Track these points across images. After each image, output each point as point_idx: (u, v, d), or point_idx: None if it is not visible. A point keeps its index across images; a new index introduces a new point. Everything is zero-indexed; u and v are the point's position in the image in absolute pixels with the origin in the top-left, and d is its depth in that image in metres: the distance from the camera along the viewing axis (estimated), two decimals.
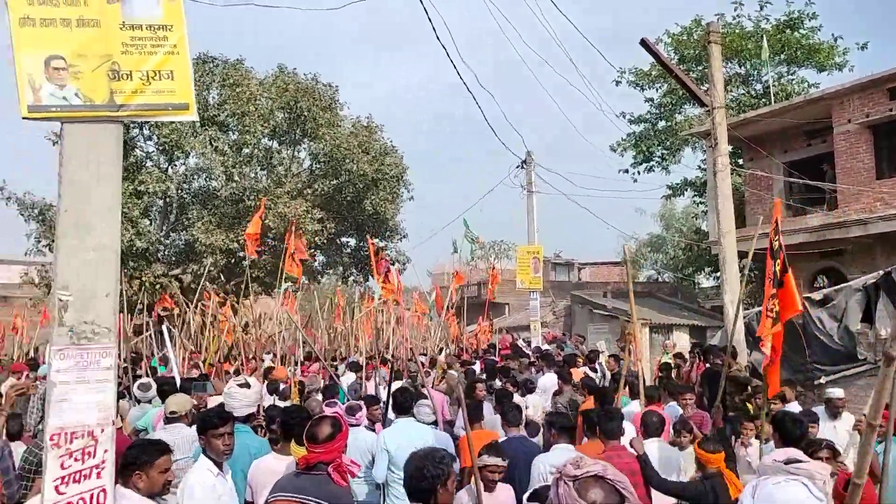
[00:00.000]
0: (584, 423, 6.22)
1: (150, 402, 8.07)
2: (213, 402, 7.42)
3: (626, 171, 26.86)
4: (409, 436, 5.89)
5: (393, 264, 27.51)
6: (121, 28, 3.69)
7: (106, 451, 3.56)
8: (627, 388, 8.64)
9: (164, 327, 10.64)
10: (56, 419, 3.47)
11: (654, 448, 5.93)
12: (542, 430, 7.66)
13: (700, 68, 23.45)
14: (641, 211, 40.30)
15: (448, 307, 20.44)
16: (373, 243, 14.48)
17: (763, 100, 22.33)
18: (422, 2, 8.23)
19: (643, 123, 26.73)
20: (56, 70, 3.58)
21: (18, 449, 6.08)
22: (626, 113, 26.90)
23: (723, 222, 11.56)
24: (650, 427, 6.20)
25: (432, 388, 9.87)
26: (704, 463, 5.31)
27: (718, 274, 12.17)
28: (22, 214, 22.25)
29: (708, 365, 10.03)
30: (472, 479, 4.39)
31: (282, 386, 9.78)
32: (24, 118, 3.56)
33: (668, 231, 38.81)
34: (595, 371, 11.57)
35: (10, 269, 41.13)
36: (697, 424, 7.68)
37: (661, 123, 26.34)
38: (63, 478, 3.46)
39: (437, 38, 9.10)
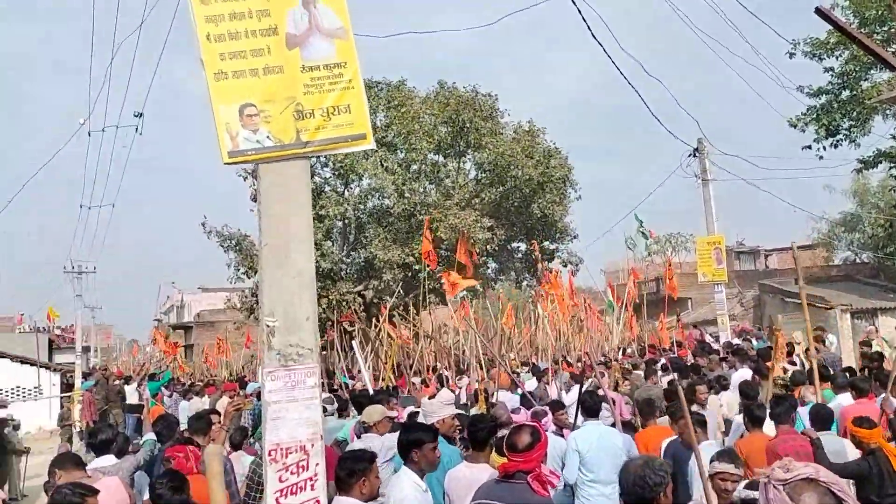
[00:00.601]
0: (744, 416, 6.18)
1: (332, 415, 8.61)
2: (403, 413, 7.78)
3: (809, 147, 24.90)
4: (599, 437, 5.93)
5: (565, 266, 27.37)
6: (301, 71, 3.99)
7: (317, 463, 3.83)
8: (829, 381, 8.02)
9: (354, 343, 11.20)
10: (272, 436, 3.79)
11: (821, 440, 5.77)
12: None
13: (885, 29, 21.34)
14: (830, 188, 36.97)
15: (626, 305, 19.96)
16: (538, 251, 14.46)
17: None
18: (574, 3, 8.14)
19: (824, 95, 24.68)
20: (249, 117, 3.92)
21: (242, 459, 6.74)
22: (803, 86, 24.94)
23: None
24: (818, 419, 6.06)
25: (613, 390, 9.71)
26: (861, 440, 5.32)
27: None
28: (222, 246, 24.31)
29: None
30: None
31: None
32: (225, 164, 3.93)
33: (862, 207, 35.49)
34: (794, 364, 10.83)
35: (215, 296, 45.20)
36: None
37: (845, 93, 24.19)
38: (282, 490, 3.77)
39: (593, 35, 8.97)
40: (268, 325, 3.86)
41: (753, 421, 5.94)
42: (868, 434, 5.32)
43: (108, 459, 6.08)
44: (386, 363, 12.81)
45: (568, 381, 12.39)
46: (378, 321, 16.57)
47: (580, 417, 6.65)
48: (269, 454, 3.78)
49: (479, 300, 26.58)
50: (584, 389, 7.04)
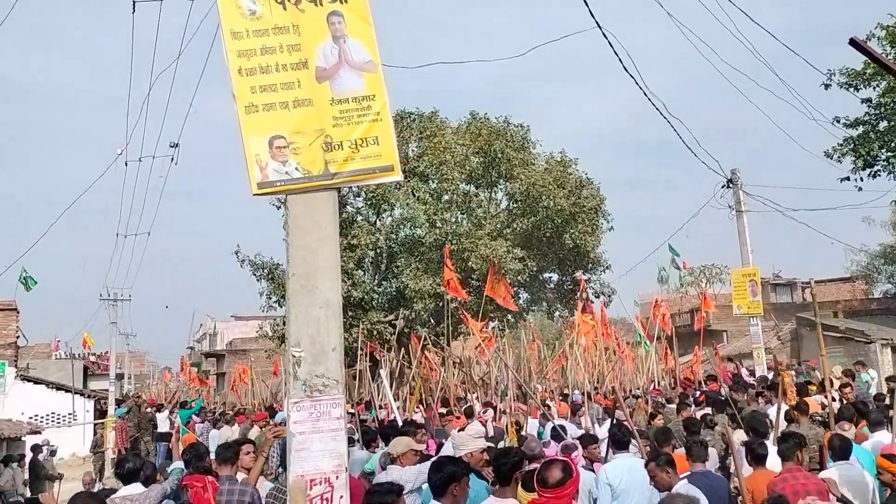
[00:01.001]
0: (747, 453, 6.10)
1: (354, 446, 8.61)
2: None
3: (847, 178, 24.50)
4: (630, 470, 5.89)
5: (598, 297, 27.14)
6: (330, 104, 4.04)
7: (342, 496, 3.80)
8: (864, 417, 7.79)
9: (380, 372, 11.18)
10: (297, 467, 3.77)
11: (835, 473, 5.74)
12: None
13: None
14: (870, 220, 36.27)
15: (659, 337, 19.68)
16: (583, 280, 14.36)
17: None
18: (604, 34, 8.18)
19: (861, 126, 24.33)
20: (279, 149, 3.97)
21: (264, 484, 6.71)
22: (839, 118, 24.61)
23: None
24: (835, 450, 6.03)
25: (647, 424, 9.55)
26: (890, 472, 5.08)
27: None
28: (254, 275, 24.54)
29: None
30: None
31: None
32: (254, 195, 3.97)
33: None
34: (834, 400, 10.53)
35: (248, 324, 45.62)
36: None
37: (883, 124, 23.82)
38: None
39: (624, 68, 8.99)
40: (294, 356, 3.86)
41: (756, 459, 5.92)
42: (893, 467, 5.10)
43: (136, 488, 6.10)
44: (412, 394, 12.75)
45: (601, 414, 12.21)
46: (408, 351, 16.54)
47: (610, 451, 6.55)
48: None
49: (510, 331, 26.46)
50: (615, 422, 6.96)
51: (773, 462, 5.93)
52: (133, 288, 60.81)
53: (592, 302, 19.01)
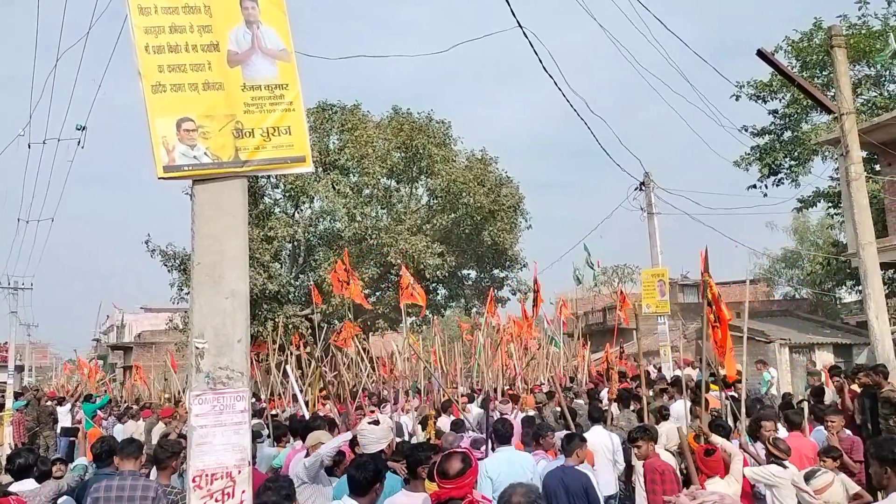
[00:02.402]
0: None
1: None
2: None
3: (754, 186, 25.67)
4: (509, 463, 6.10)
5: (514, 294, 27.54)
6: (242, 89, 3.94)
7: (244, 491, 3.72)
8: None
9: (287, 368, 11.03)
10: (198, 461, 3.66)
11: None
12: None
13: (825, 74, 22.17)
14: (772, 225, 38.18)
15: (571, 334, 20.07)
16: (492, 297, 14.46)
17: None
18: (525, 35, 8.28)
19: (767, 136, 25.53)
20: (187, 132, 3.84)
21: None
22: (747, 126, 25.74)
23: (861, 233, 10.81)
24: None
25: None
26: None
27: (861, 288, 11.38)
28: (165, 265, 23.79)
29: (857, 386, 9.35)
30: None
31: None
32: (159, 178, 3.83)
33: (802, 245, 36.66)
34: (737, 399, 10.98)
35: (158, 316, 44.20)
36: (847, 450, 7.16)
37: (787, 134, 25.07)
38: None
39: (544, 68, 9.11)
40: (197, 347, 3.75)
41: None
42: None
43: (28, 484, 5.83)
44: (321, 391, 12.57)
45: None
46: (324, 345, 16.34)
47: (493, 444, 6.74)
48: (194, 480, 3.65)
49: (428, 326, 26.52)
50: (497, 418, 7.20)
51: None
52: (35, 276, 57.99)
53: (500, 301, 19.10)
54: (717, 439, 6.41)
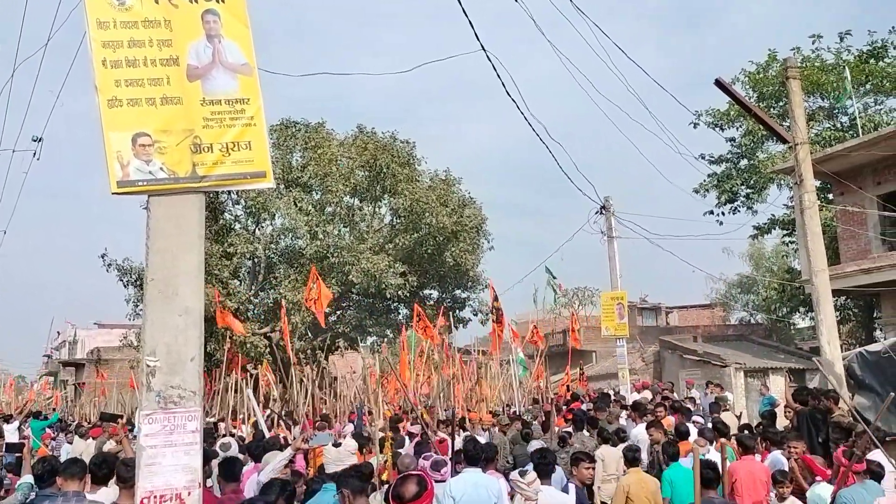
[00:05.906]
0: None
1: None
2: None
3: (711, 212, 26.19)
4: (474, 486, 6.05)
5: (476, 315, 27.56)
6: (201, 104, 3.89)
7: None
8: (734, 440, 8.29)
9: (248, 391, 10.91)
10: (146, 482, 3.57)
11: None
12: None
13: (780, 105, 22.77)
14: (729, 251, 38.87)
15: (532, 355, 20.11)
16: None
17: (850, 132, 21.44)
18: (488, 58, 8.36)
19: (724, 163, 26.11)
20: (143, 146, 3.78)
21: None
22: (705, 154, 26.31)
23: (814, 260, 11.05)
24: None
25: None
26: None
27: (813, 314, 11.62)
28: (121, 280, 23.33)
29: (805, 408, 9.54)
30: None
31: None
32: (113, 193, 3.76)
33: (758, 271, 37.39)
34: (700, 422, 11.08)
35: (111, 332, 43.21)
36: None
37: (744, 162, 25.66)
38: None
39: (507, 92, 9.19)
40: (148, 365, 3.67)
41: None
42: None
43: None
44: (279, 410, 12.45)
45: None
46: (285, 365, 16.14)
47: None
48: (142, 502, 3.55)
49: (390, 346, 26.36)
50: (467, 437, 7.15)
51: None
52: None
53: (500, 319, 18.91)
54: None
